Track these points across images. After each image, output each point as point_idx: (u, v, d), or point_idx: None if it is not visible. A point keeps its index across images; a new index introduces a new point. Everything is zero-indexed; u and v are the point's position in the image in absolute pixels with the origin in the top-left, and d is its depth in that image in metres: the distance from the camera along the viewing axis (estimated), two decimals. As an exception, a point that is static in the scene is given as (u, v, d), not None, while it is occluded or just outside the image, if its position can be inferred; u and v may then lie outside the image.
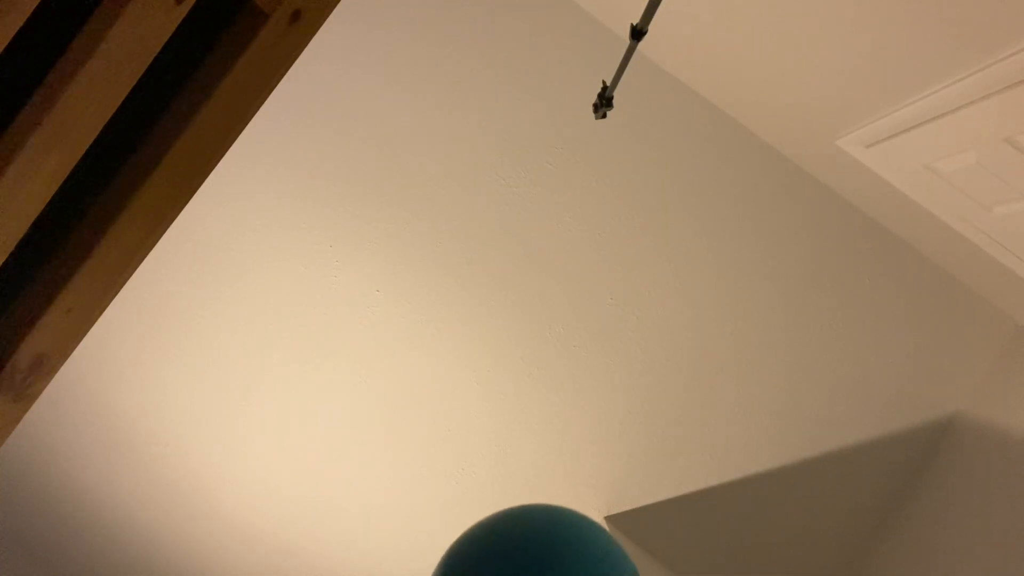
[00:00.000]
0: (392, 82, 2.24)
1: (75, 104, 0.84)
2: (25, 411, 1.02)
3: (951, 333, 2.41)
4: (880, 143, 1.73)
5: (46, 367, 1.00)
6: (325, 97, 2.24)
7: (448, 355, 2.37)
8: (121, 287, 1.00)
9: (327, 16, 0.98)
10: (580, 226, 2.34)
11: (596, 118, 1.49)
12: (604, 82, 1.45)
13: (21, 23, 0.78)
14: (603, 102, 1.44)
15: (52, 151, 0.85)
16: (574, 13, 2.23)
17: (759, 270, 2.37)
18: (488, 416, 2.39)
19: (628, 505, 2.45)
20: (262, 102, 0.99)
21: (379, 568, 2.53)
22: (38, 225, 0.90)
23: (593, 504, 2.43)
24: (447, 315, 2.35)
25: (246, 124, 0.99)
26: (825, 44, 1.54)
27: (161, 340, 2.34)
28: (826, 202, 2.35)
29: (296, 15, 0.95)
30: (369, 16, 2.21)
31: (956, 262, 2.26)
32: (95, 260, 0.97)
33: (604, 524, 2.44)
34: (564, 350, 2.37)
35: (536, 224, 2.33)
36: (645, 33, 1.15)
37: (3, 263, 0.90)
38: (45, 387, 1.02)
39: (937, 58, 1.32)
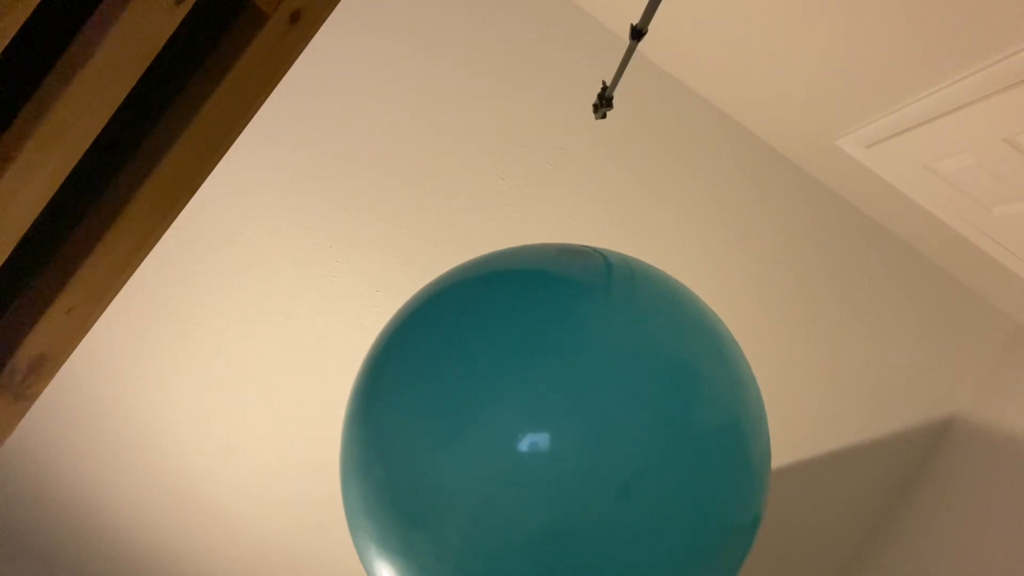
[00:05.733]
0: (391, 82, 2.24)
1: (75, 104, 0.84)
2: (25, 411, 1.02)
3: (951, 333, 2.40)
4: (880, 143, 1.73)
5: (46, 367, 1.00)
6: (325, 97, 2.24)
7: (448, 355, 2.36)
8: (121, 287, 1.00)
9: (327, 16, 0.98)
10: (580, 226, 2.34)
11: (596, 118, 1.49)
12: (604, 82, 1.45)
13: (21, 23, 0.78)
14: (603, 102, 1.44)
15: (52, 151, 0.85)
16: (574, 13, 2.23)
17: (757, 270, 2.37)
18: (488, 416, 2.38)
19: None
20: (262, 102, 0.99)
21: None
22: (38, 225, 0.90)
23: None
24: (447, 315, 2.34)
25: (246, 124, 0.99)
26: (825, 44, 1.54)
27: (161, 340, 2.34)
28: (826, 202, 2.35)
29: (296, 15, 0.95)
30: (368, 16, 2.21)
31: (956, 262, 2.26)
32: (95, 260, 0.97)
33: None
34: (564, 350, 2.37)
35: (536, 224, 2.33)
36: (645, 33, 1.15)
37: (3, 263, 0.89)
38: (45, 387, 1.02)
39: (937, 58, 1.32)
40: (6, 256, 0.89)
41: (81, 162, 0.88)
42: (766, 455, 0.90)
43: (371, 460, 0.84)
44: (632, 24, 1.15)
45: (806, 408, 2.43)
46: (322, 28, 0.98)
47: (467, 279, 0.96)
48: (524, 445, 0.75)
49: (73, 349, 1.01)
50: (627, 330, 0.85)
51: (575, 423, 0.76)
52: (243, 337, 2.35)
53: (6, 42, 0.77)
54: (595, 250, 1.03)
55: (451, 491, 0.77)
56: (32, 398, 1.01)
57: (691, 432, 0.80)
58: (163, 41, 0.86)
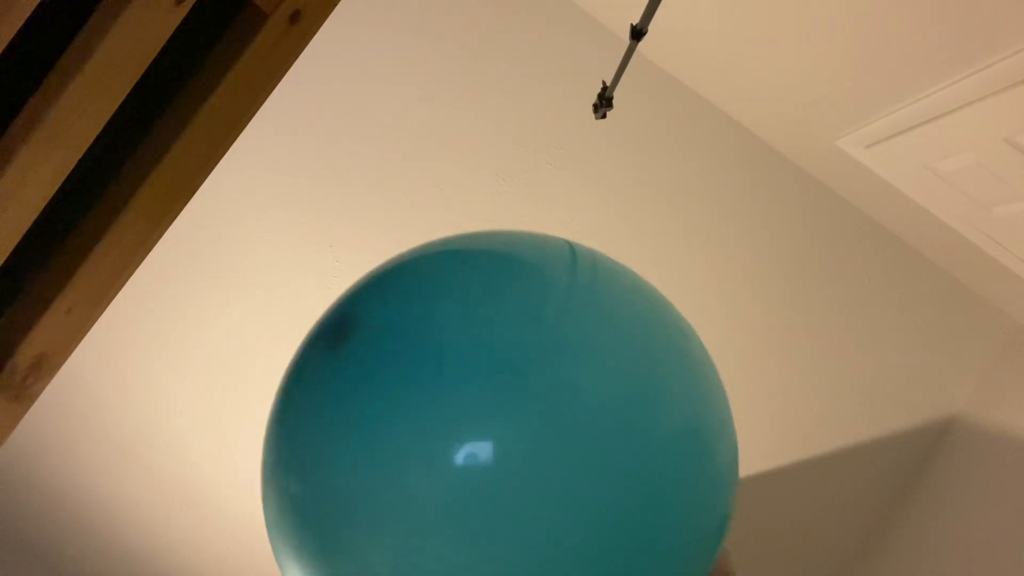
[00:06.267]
0: (391, 82, 2.24)
1: (75, 104, 0.84)
2: (25, 411, 1.02)
3: (951, 333, 2.40)
4: (880, 143, 1.73)
5: (46, 367, 1.00)
6: (325, 97, 2.24)
7: (448, 355, 2.36)
8: (121, 287, 1.00)
9: (327, 16, 0.98)
10: (580, 227, 2.34)
11: (596, 118, 1.49)
12: (604, 82, 1.45)
13: (21, 23, 0.78)
14: (603, 102, 1.44)
15: (52, 151, 0.85)
16: (574, 13, 2.23)
17: (757, 270, 2.37)
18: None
19: (628, 505, 2.45)
20: (262, 102, 0.99)
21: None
22: (38, 225, 0.90)
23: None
24: (447, 315, 2.34)
25: (246, 124, 0.99)
26: (825, 44, 1.54)
27: (161, 340, 2.34)
28: (826, 202, 2.35)
29: (296, 15, 0.95)
30: (368, 16, 2.21)
31: (956, 262, 2.26)
32: (95, 260, 0.97)
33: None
34: (564, 350, 2.37)
35: (536, 225, 2.33)
36: (645, 33, 1.15)
37: (3, 263, 0.90)
38: (45, 387, 1.02)
39: (937, 58, 1.32)
40: (6, 256, 0.89)
41: (81, 162, 0.88)
42: (733, 461, 0.83)
43: (287, 474, 0.72)
44: (632, 24, 1.15)
45: (806, 408, 2.42)
46: (321, 28, 0.98)
47: (404, 267, 0.84)
48: (460, 458, 0.63)
49: (73, 349, 1.01)
50: (579, 330, 0.74)
51: (518, 436, 0.65)
52: (243, 337, 2.35)
53: (5, 43, 0.77)
54: (546, 240, 0.91)
55: (376, 516, 0.65)
56: (32, 398, 1.01)
57: (650, 441, 0.71)
58: (163, 41, 0.86)
